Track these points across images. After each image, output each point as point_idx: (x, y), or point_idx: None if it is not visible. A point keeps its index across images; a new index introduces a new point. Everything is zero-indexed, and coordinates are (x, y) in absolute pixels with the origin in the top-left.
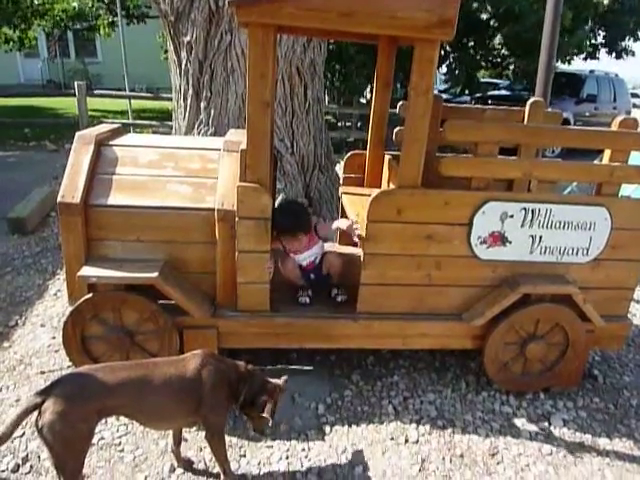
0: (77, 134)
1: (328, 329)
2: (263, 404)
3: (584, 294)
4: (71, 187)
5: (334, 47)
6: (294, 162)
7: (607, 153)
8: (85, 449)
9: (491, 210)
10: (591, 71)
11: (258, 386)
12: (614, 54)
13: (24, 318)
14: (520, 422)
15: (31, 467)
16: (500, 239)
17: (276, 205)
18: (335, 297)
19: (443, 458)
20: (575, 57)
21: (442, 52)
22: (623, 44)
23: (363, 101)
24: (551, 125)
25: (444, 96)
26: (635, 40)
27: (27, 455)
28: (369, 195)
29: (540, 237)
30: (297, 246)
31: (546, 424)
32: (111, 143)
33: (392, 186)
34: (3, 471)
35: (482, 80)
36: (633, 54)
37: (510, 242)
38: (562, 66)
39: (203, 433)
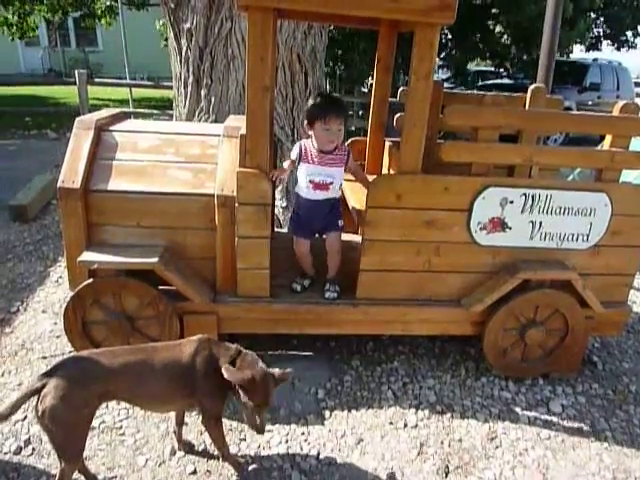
0: (77, 119)
1: (328, 315)
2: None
3: (584, 280)
4: (71, 172)
5: (337, 34)
6: None
7: (608, 139)
8: (86, 433)
9: (491, 196)
10: (594, 59)
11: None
12: (615, 45)
13: (26, 304)
14: (519, 407)
15: (33, 450)
16: (500, 225)
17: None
18: (325, 292)
19: (442, 442)
20: (576, 48)
21: (443, 41)
22: (624, 37)
23: (364, 89)
24: (552, 110)
25: (446, 85)
26: (635, 35)
27: (29, 438)
28: (370, 181)
29: (540, 223)
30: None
31: (545, 409)
32: (111, 128)
33: (392, 172)
34: (6, 454)
35: (484, 69)
36: (635, 47)
37: (510, 228)
38: (562, 58)
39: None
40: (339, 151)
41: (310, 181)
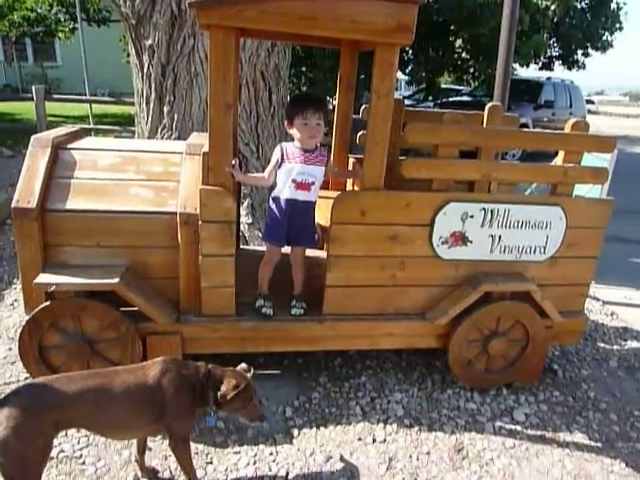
0: (33, 137)
1: (295, 332)
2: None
3: (542, 291)
4: (26, 192)
5: (302, 52)
6: (260, 166)
7: (561, 155)
8: (42, 464)
9: (452, 211)
10: (548, 78)
11: (219, 381)
12: (566, 66)
13: None
14: (484, 418)
15: None
16: (461, 239)
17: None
18: (291, 308)
19: (410, 456)
20: (532, 64)
21: (405, 57)
22: (575, 57)
23: (330, 107)
24: (508, 127)
25: (407, 102)
26: (585, 55)
27: None
28: (334, 198)
29: (499, 236)
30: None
31: (509, 419)
32: (69, 146)
33: (356, 189)
34: None
35: (444, 86)
36: (584, 67)
37: (471, 242)
38: (520, 70)
39: (167, 441)
40: (320, 151)
41: (293, 180)
